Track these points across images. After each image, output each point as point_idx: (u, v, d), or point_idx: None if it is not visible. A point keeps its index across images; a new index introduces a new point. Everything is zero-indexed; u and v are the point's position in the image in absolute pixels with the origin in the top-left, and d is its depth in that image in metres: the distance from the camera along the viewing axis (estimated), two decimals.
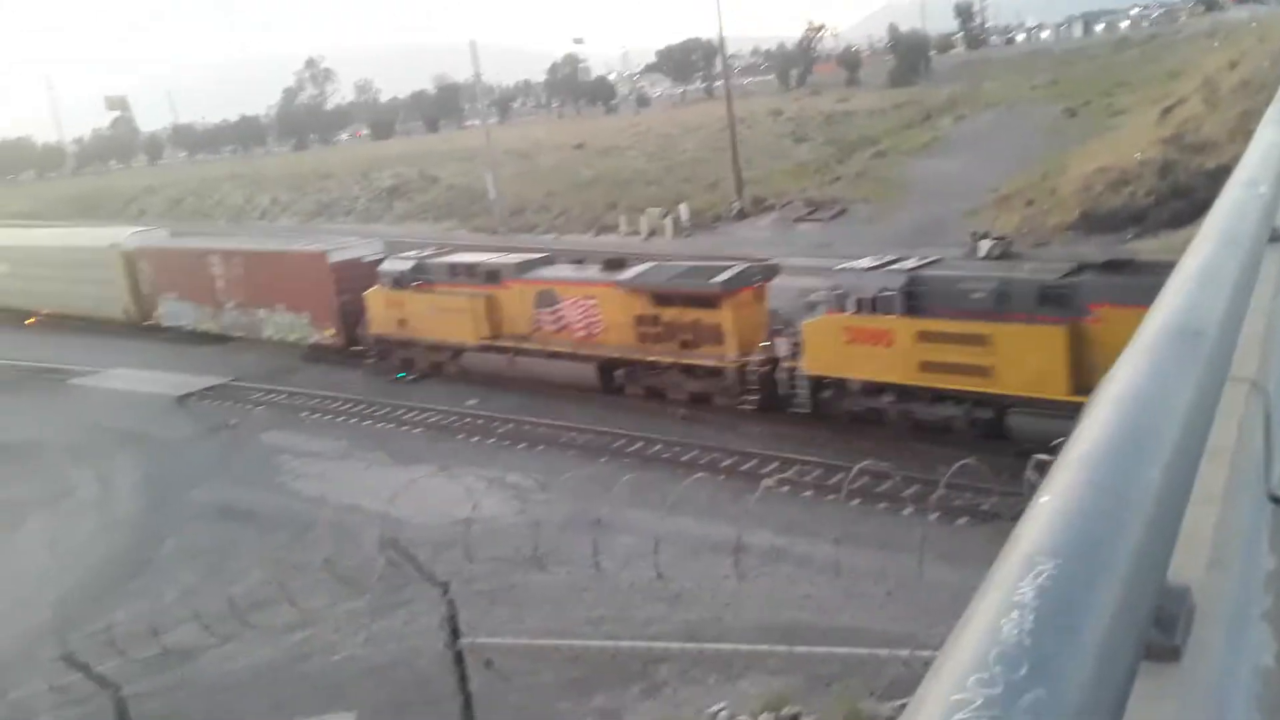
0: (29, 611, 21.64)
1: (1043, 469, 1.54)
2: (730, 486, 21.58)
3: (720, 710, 13.35)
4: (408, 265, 32.69)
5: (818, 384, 24.23)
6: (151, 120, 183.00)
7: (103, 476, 28.70)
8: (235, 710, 15.48)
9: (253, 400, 33.91)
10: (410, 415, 30.02)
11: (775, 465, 22.78)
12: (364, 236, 47.52)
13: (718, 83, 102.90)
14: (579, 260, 31.08)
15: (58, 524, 26.09)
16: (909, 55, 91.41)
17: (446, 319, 31.39)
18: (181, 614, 18.88)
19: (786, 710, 12.83)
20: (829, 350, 23.66)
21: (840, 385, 24.25)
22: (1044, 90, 65.46)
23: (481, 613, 16.50)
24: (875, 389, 23.69)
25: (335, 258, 35.66)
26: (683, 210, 52.28)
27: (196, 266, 41.47)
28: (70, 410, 35.70)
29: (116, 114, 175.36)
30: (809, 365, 24.25)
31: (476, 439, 27.68)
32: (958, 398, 22.39)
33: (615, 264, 28.74)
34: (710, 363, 26.02)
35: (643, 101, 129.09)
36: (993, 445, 20.60)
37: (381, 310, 33.33)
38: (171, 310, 43.40)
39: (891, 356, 22.78)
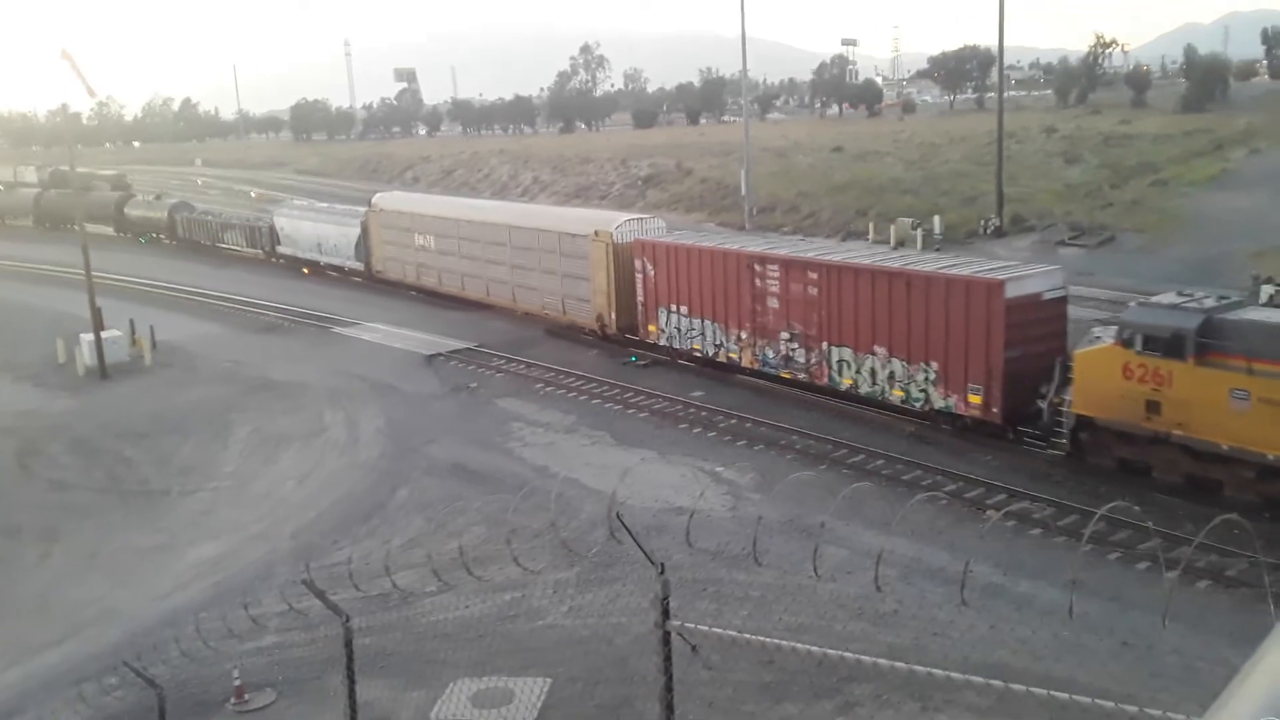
0: (274, 538, 23.51)
1: None
2: (951, 512, 20.78)
3: None
4: (1189, 320, 20.61)
5: None
6: (433, 93, 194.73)
7: (351, 421, 30.75)
8: (440, 658, 16.22)
9: (493, 367, 35.44)
10: (637, 399, 30.58)
11: (1003, 497, 21.77)
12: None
13: (990, 94, 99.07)
14: None
15: (309, 460, 28.16)
16: (1205, 80, 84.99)
17: (1271, 417, 19.80)
18: (405, 559, 19.99)
19: None
20: None
21: None
22: None
23: (684, 602, 16.58)
24: None
25: (1013, 290, 24.08)
26: (936, 222, 50.78)
27: (733, 274, 30.82)
28: (332, 357, 38.46)
29: (403, 85, 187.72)
30: None
31: (698, 430, 27.86)
32: None
33: None
34: None
35: (909, 108, 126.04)
36: (1248, 506, 18.90)
37: (1112, 382, 21.79)
38: (677, 328, 33.26)
39: None
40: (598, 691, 14.93)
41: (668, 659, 6.37)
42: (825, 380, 28.47)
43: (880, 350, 26.71)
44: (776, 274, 29.58)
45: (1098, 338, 23.07)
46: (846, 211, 57.21)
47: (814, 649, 5.94)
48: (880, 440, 25.67)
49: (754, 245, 32.88)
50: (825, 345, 28.21)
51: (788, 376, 29.75)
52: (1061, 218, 49.24)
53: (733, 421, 27.95)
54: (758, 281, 30.09)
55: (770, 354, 30.06)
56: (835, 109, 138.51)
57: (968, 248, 47.99)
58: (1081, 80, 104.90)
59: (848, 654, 5.57)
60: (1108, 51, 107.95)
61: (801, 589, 17.11)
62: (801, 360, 29.09)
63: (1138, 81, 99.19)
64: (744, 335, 30.80)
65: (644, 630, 6.77)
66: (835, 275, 27.86)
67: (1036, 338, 24.19)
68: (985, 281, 24.38)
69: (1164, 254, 42.52)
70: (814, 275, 28.46)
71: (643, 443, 26.98)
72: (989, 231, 49.46)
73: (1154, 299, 22.71)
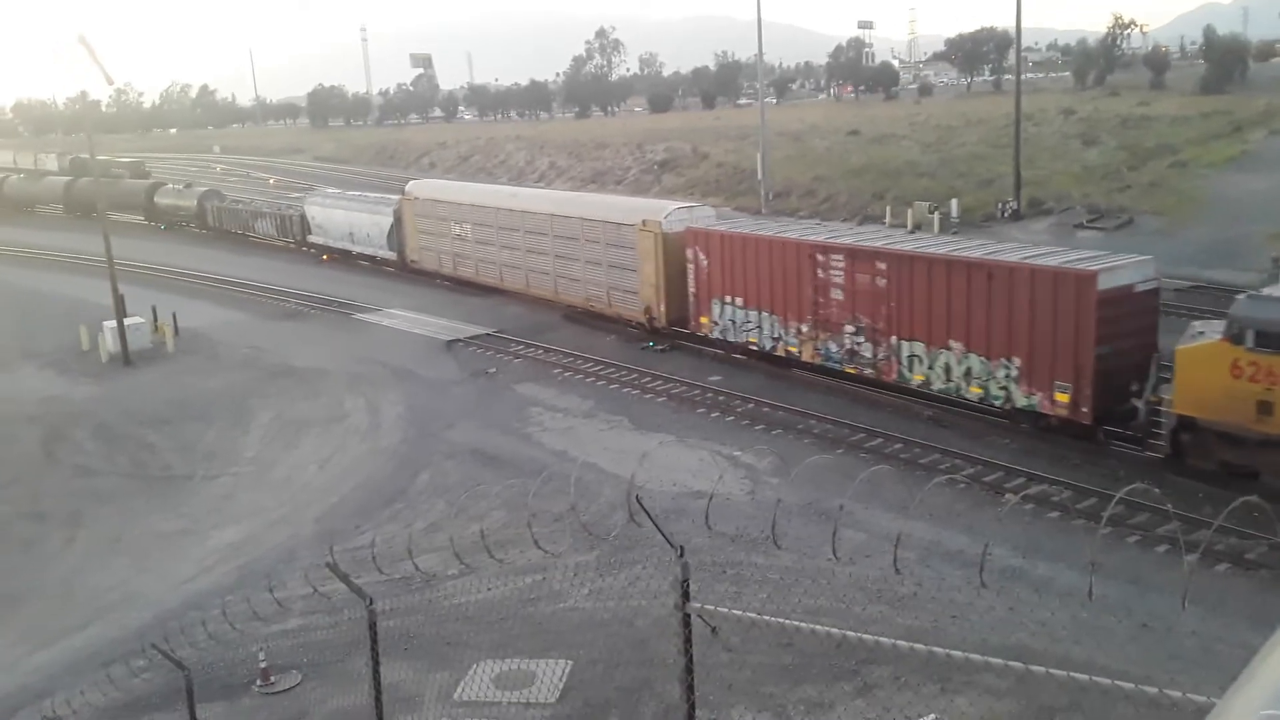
0: (297, 522, 23.74)
1: None
2: (969, 495, 20.82)
3: None
4: None
5: None
6: (449, 79, 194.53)
7: (372, 406, 30.95)
8: (463, 640, 16.39)
9: (512, 352, 35.59)
10: (654, 384, 30.68)
11: (1021, 480, 21.79)
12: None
13: (1007, 76, 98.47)
14: None
15: (330, 445, 28.38)
16: (1224, 61, 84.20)
17: None
18: (427, 543, 20.15)
19: None
20: None
21: None
22: None
23: (704, 585, 16.70)
24: None
25: (1105, 282, 22.49)
26: (953, 205, 50.61)
27: (793, 265, 29.33)
28: (353, 343, 38.67)
29: (420, 71, 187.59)
30: None
31: (715, 415, 27.94)
32: None
33: None
34: None
35: (925, 90, 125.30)
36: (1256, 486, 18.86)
37: (1218, 381, 20.22)
38: (731, 320, 31.77)
39: None
40: (618, 673, 15.07)
41: (688, 641, 6.45)
42: (894, 376, 26.90)
43: (956, 345, 25.12)
44: (841, 264, 27.95)
45: (1200, 333, 21.60)
46: (863, 195, 57.03)
47: (833, 631, 6.01)
48: (898, 424, 25.70)
49: (816, 234, 31.30)
50: (894, 339, 26.67)
51: (853, 372, 28.24)
52: (1079, 200, 48.95)
53: (750, 406, 28.02)
54: (820, 272, 28.51)
55: (834, 348, 28.49)
56: (851, 92, 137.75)
57: (985, 231, 47.80)
58: (1100, 62, 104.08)
59: (866, 636, 5.64)
60: (1126, 33, 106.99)
61: (820, 572, 17.20)
62: (868, 355, 27.51)
63: (1156, 63, 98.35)
64: (805, 328, 29.27)
65: (664, 613, 6.87)
66: (907, 265, 26.20)
67: (1128, 332, 22.71)
68: (1076, 273, 22.78)
69: (1182, 236, 42.26)
70: (883, 265, 26.83)
71: (661, 427, 27.09)
72: (1006, 214, 49.23)
73: (1265, 291, 20.98)
